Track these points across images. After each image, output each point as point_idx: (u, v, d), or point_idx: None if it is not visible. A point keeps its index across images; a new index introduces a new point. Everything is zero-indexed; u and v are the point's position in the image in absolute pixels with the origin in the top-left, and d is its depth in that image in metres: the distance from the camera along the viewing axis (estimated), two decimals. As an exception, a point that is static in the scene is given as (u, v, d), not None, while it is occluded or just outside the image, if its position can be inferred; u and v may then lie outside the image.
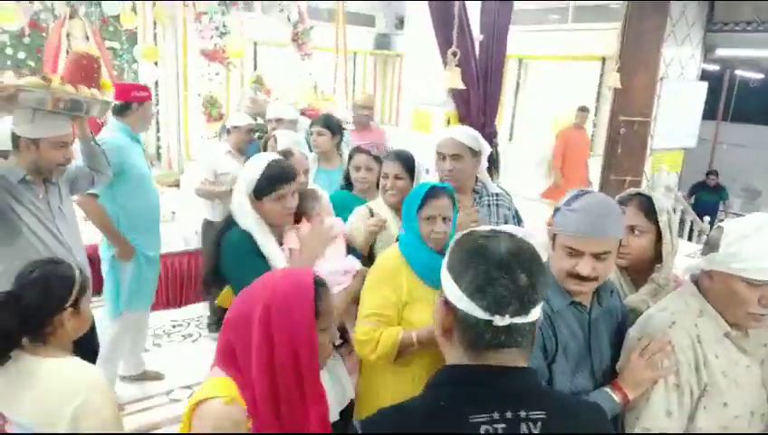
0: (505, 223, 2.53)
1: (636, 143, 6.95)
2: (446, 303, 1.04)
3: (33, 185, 2.42)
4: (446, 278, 1.05)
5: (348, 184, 2.92)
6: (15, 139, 2.36)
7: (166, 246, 3.90)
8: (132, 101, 3.30)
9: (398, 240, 2.16)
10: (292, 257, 2.11)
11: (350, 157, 2.93)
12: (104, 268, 3.29)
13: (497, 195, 2.61)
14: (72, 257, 2.38)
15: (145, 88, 3.50)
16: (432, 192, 2.02)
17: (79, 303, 1.62)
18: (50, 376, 1.53)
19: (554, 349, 1.50)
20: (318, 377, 1.33)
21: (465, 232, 1.10)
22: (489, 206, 2.56)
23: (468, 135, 2.50)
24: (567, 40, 7.85)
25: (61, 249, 2.44)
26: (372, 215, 2.48)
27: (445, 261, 1.08)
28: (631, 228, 1.84)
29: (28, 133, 2.32)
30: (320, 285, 1.35)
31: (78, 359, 1.62)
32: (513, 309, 0.96)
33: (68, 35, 5.48)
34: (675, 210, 7.11)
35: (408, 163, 2.54)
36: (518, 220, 2.79)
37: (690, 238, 7.26)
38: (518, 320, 0.97)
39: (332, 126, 3.53)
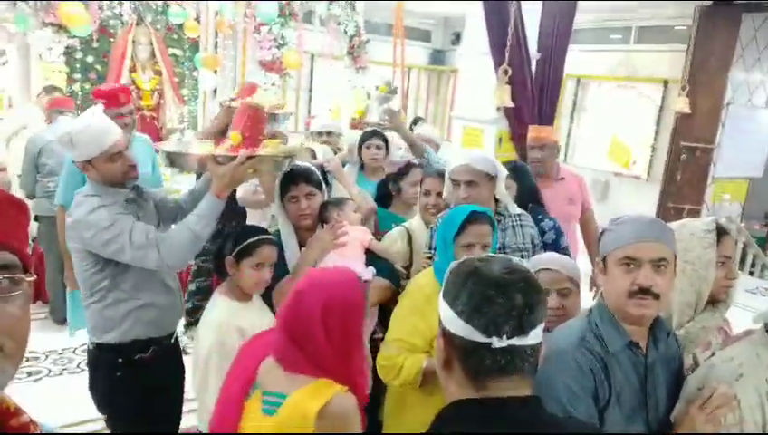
0: (531, 242, 2.42)
1: (697, 170, 6.67)
2: (444, 332, 1.02)
3: (136, 202, 2.19)
4: (442, 307, 1.03)
5: (382, 197, 2.88)
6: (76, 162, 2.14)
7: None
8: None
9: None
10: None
11: (405, 172, 2.90)
12: None
13: (520, 215, 2.48)
14: (175, 278, 2.36)
15: (109, 93, 3.24)
16: (472, 217, 1.91)
17: (239, 261, 1.97)
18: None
19: (607, 396, 1.39)
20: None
21: (459, 260, 1.09)
22: (513, 227, 2.43)
23: (483, 160, 2.36)
24: (628, 61, 7.65)
25: (172, 273, 2.34)
26: (410, 237, 2.43)
27: (441, 291, 1.05)
28: (730, 259, 1.74)
29: (80, 157, 2.07)
30: (364, 281, 1.61)
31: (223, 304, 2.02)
32: (510, 329, 0.94)
33: (133, 41, 5.71)
34: (736, 242, 6.77)
35: None
36: (558, 242, 2.67)
37: (752, 273, 6.90)
38: (517, 341, 0.94)
39: (387, 141, 3.53)
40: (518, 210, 2.51)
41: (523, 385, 0.98)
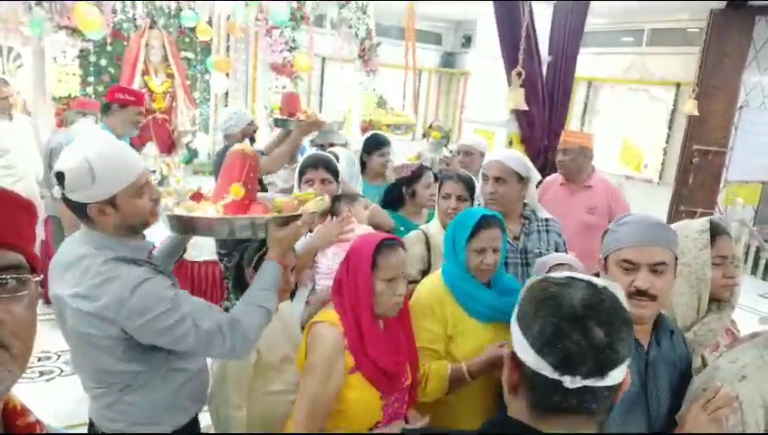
0: (555, 249, 2.42)
1: (709, 174, 6.62)
2: (514, 357, 0.93)
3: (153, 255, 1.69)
4: (514, 329, 0.94)
5: (390, 202, 2.88)
6: (80, 209, 1.50)
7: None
8: (113, 102, 3.15)
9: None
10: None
11: (418, 175, 2.90)
12: None
13: (547, 220, 2.49)
14: None
15: (134, 93, 3.30)
16: (483, 222, 1.91)
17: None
18: None
19: None
20: (372, 316, 1.68)
21: (538, 278, 0.99)
22: (539, 232, 2.45)
23: (516, 159, 2.40)
24: (640, 63, 7.61)
25: None
26: (428, 240, 2.44)
27: (515, 310, 0.97)
28: (732, 259, 1.73)
29: (99, 196, 1.48)
30: (386, 244, 1.69)
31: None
32: (586, 370, 0.84)
33: (146, 45, 5.76)
34: (749, 246, 6.71)
35: (469, 184, 2.50)
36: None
37: (765, 278, 6.83)
38: (592, 383, 0.84)
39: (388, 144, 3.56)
40: (547, 215, 2.52)
41: (590, 425, 0.88)
